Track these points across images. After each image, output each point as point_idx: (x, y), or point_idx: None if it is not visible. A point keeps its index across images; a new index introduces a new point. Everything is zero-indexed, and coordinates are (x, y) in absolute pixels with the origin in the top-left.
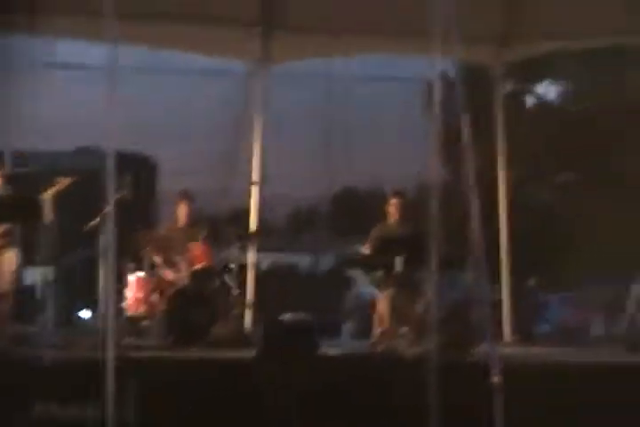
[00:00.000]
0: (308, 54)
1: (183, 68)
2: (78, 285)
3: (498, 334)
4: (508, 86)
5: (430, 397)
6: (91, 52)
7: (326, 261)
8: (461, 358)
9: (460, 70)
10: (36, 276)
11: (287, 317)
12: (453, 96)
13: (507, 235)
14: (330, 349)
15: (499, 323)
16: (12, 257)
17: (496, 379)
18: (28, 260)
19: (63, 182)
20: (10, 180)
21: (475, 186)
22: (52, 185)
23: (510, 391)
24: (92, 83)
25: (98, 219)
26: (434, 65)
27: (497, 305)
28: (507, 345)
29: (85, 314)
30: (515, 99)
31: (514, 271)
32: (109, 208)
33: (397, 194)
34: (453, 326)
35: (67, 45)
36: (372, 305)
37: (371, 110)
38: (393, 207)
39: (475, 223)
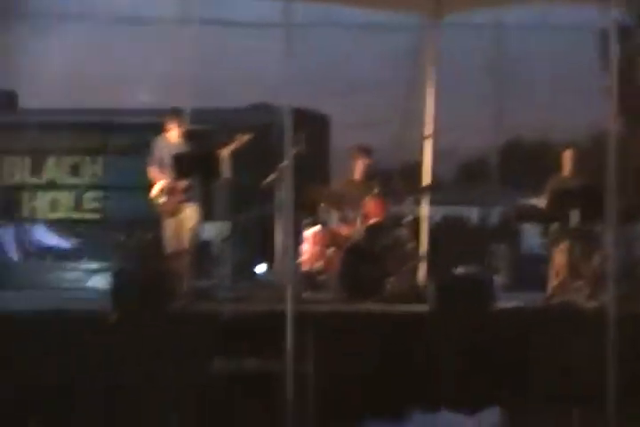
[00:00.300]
0: (480, 4)
1: (354, 22)
2: (256, 240)
3: None
4: None
5: (608, 350)
6: (261, 9)
7: (497, 214)
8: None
9: (632, 18)
10: (213, 231)
11: (461, 270)
12: (627, 44)
13: None
14: (504, 302)
15: None
16: (192, 213)
17: None
18: (205, 215)
19: (241, 139)
20: (188, 137)
21: None
22: (229, 142)
23: None
24: (263, 39)
25: (274, 174)
26: (608, 12)
27: None
28: None
29: (261, 269)
30: None
31: None
32: (287, 163)
33: (571, 146)
34: (631, 280)
35: (240, 2)
36: (544, 259)
37: (543, 60)
38: (567, 160)
39: None
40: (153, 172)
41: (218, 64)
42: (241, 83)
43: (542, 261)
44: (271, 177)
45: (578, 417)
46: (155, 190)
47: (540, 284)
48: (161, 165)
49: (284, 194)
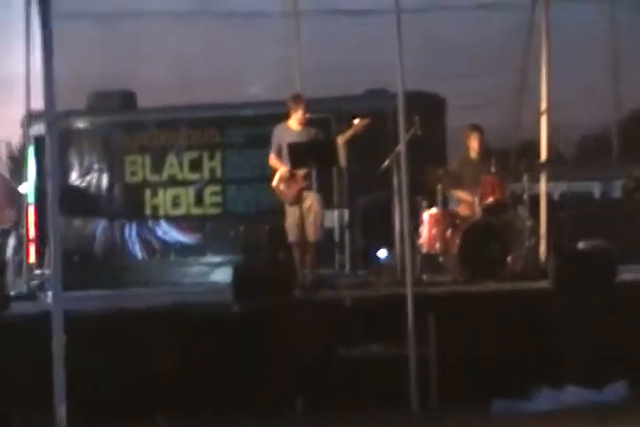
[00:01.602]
0: None
1: (463, 4)
2: (374, 225)
3: None
4: None
5: None
6: None
7: (619, 188)
8: None
9: None
10: (333, 219)
11: (583, 245)
12: None
13: None
14: (629, 274)
15: None
16: (313, 201)
17: None
18: (326, 203)
19: (358, 126)
20: (307, 125)
21: None
22: (346, 129)
23: None
24: (371, 26)
25: (390, 159)
26: None
27: None
28: None
29: (382, 254)
30: None
31: None
32: (401, 147)
33: None
34: None
35: None
36: None
37: None
38: None
39: None
40: (273, 160)
41: (332, 51)
42: (359, 69)
43: None
44: (387, 162)
45: None
46: (275, 179)
47: None
48: (281, 154)
49: (400, 178)
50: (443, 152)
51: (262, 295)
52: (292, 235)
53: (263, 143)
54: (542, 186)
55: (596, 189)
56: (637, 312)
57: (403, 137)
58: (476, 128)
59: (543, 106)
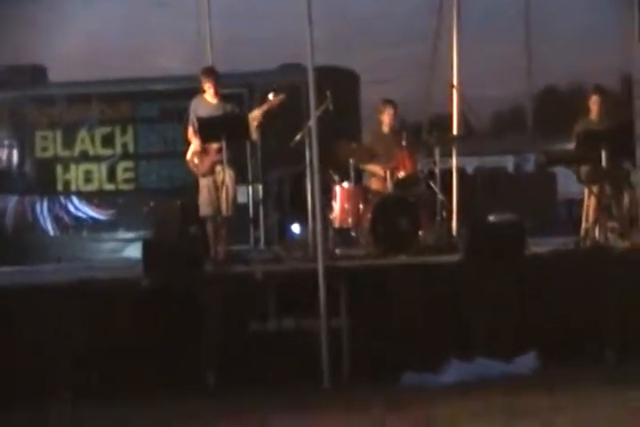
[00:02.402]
0: None
1: None
2: (288, 200)
3: None
4: None
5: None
6: None
7: (530, 161)
8: None
9: None
10: (246, 194)
11: (493, 218)
12: None
13: None
14: (538, 247)
15: None
16: (226, 176)
17: None
18: (238, 178)
19: (272, 101)
20: (222, 99)
21: None
22: (260, 103)
23: None
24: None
25: (301, 133)
26: None
27: None
28: None
29: (296, 229)
30: None
31: None
32: (312, 122)
33: (597, 90)
34: None
35: None
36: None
37: (568, 6)
38: (594, 103)
39: None
40: (190, 133)
41: (245, 28)
42: (271, 44)
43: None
44: (298, 136)
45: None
46: (189, 152)
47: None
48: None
49: (311, 152)
50: (357, 126)
51: (172, 270)
52: (204, 209)
53: (176, 118)
54: (454, 160)
55: (509, 163)
56: (546, 284)
57: (313, 112)
58: (389, 102)
59: (454, 80)
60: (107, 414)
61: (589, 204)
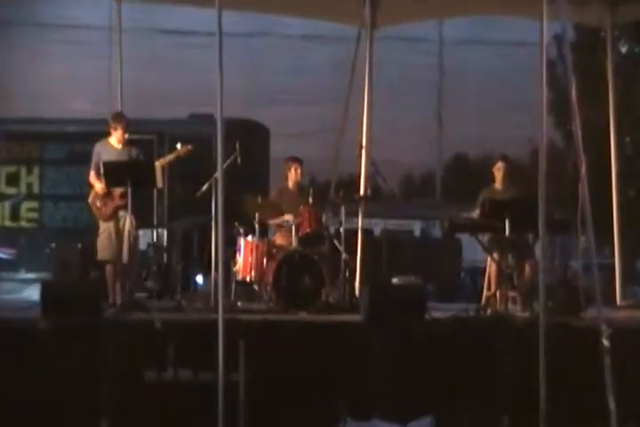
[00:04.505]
0: (414, 18)
1: (291, 33)
2: (192, 249)
3: (609, 298)
4: (622, 48)
5: (540, 360)
6: (198, 18)
7: (437, 227)
8: (571, 322)
9: (569, 33)
10: (148, 239)
11: (396, 280)
12: (564, 59)
13: (617, 199)
14: (439, 312)
15: (610, 287)
16: (128, 220)
17: (606, 343)
18: (142, 224)
19: (180, 151)
20: (127, 144)
21: (585, 150)
22: (168, 152)
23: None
24: (201, 48)
25: (208, 184)
26: (543, 28)
27: (608, 268)
28: (619, 309)
29: (199, 278)
30: (629, 61)
31: (625, 235)
32: (219, 173)
33: (503, 158)
34: (563, 290)
35: (176, 12)
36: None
37: (480, 75)
38: (499, 171)
39: (584, 187)
40: (92, 177)
41: (160, 74)
42: (186, 93)
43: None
44: (205, 187)
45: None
46: (91, 195)
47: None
48: (99, 171)
49: (217, 204)
50: (266, 180)
51: (69, 313)
52: (102, 254)
53: (82, 160)
54: (359, 220)
55: (416, 227)
56: (444, 348)
57: (220, 163)
58: (295, 160)
59: (364, 141)
60: None
61: (491, 272)
